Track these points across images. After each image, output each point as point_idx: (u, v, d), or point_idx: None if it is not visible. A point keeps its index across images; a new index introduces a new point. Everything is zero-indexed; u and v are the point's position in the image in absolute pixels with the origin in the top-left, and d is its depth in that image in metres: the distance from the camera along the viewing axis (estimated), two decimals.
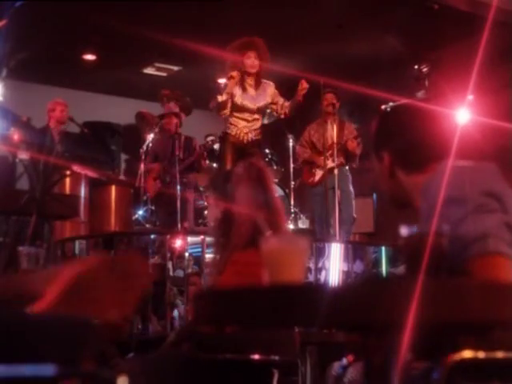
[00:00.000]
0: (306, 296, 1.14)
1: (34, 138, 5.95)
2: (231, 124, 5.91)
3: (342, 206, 6.29)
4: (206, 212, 6.97)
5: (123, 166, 9.24)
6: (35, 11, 6.45)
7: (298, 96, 5.83)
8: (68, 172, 5.85)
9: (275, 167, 7.18)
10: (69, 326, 1.04)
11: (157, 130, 7.23)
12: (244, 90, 5.85)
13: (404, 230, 1.45)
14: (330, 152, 6.37)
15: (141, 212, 7.18)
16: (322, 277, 5.35)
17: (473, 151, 1.96)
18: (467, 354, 1.38)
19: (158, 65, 8.84)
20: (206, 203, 6.99)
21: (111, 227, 6.33)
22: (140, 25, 5.93)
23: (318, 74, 6.12)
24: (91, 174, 6.24)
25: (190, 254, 5.24)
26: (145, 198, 7.10)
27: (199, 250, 4.99)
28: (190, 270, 5.13)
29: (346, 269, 5.43)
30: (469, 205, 1.61)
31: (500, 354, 1.43)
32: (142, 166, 7.02)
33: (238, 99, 5.83)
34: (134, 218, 6.96)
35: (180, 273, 5.36)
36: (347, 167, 6.61)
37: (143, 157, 7.07)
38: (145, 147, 7.19)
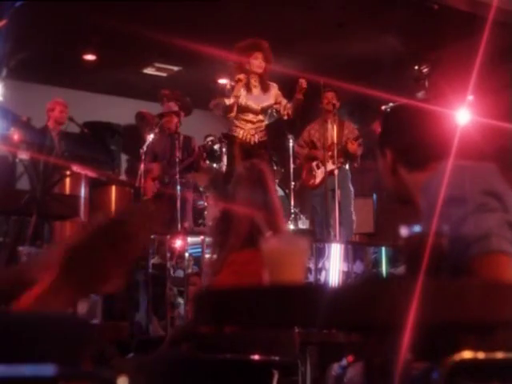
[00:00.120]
0: (306, 296, 1.14)
1: (34, 138, 5.96)
2: (237, 126, 5.92)
3: (341, 205, 6.29)
4: (205, 212, 6.97)
5: (124, 166, 9.23)
6: (35, 11, 6.45)
7: (298, 94, 5.85)
8: (68, 172, 5.85)
9: (275, 167, 7.17)
10: (69, 326, 1.04)
11: (157, 130, 7.23)
12: (249, 90, 5.87)
13: (404, 231, 1.45)
14: (330, 153, 6.37)
15: None
16: (322, 277, 5.35)
17: (473, 151, 1.96)
18: (467, 354, 1.39)
19: (157, 65, 8.84)
20: (205, 203, 6.99)
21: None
22: (140, 25, 5.92)
23: (318, 73, 6.13)
24: (91, 174, 6.24)
25: (190, 255, 5.24)
26: (145, 198, 7.09)
27: (199, 250, 4.99)
28: (189, 270, 5.13)
29: (346, 269, 5.43)
30: (469, 204, 1.61)
31: (500, 354, 1.43)
32: (142, 166, 7.02)
33: (243, 100, 5.85)
34: None
35: (180, 273, 5.36)
36: (347, 166, 6.61)
37: (143, 157, 7.07)
38: (145, 147, 7.18)
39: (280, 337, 2.45)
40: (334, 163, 6.30)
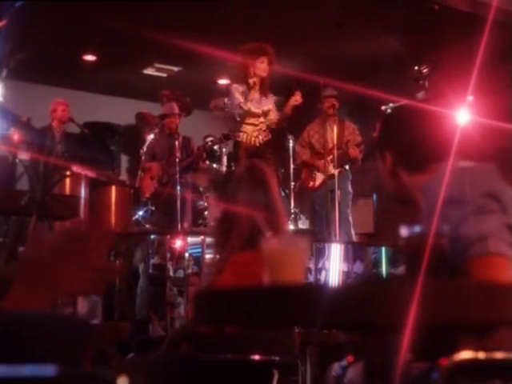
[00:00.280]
0: (306, 296, 1.15)
1: (34, 138, 5.96)
2: (240, 131, 5.94)
3: (340, 206, 6.29)
4: (206, 212, 6.97)
5: (125, 166, 9.24)
6: (35, 11, 6.45)
7: (287, 108, 5.90)
8: (68, 172, 5.85)
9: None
10: (69, 326, 1.04)
11: (157, 130, 7.23)
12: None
13: (404, 231, 1.45)
14: (330, 157, 6.35)
15: (141, 212, 7.18)
16: (322, 277, 5.35)
17: (473, 152, 1.96)
18: (467, 354, 1.39)
19: (157, 65, 8.84)
20: (205, 204, 6.99)
21: (111, 227, 6.32)
22: (140, 25, 5.93)
23: (318, 73, 6.13)
24: (91, 174, 6.24)
25: (190, 255, 5.24)
26: (144, 198, 7.10)
27: (199, 250, 4.99)
28: (189, 271, 5.13)
29: (346, 269, 5.43)
30: (469, 206, 1.62)
31: (500, 354, 1.43)
32: (141, 164, 7.03)
33: (245, 104, 5.87)
34: (134, 218, 6.96)
35: (180, 273, 5.36)
36: (347, 167, 6.60)
37: (143, 157, 7.07)
38: (145, 147, 7.19)
39: (280, 337, 2.45)
40: (334, 167, 6.29)
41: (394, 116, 2.10)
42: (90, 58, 8.21)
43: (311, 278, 5.08)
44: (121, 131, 9.23)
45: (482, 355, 1.39)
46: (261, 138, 5.93)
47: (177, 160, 6.42)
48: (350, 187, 6.56)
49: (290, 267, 1.43)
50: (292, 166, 6.92)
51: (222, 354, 2.27)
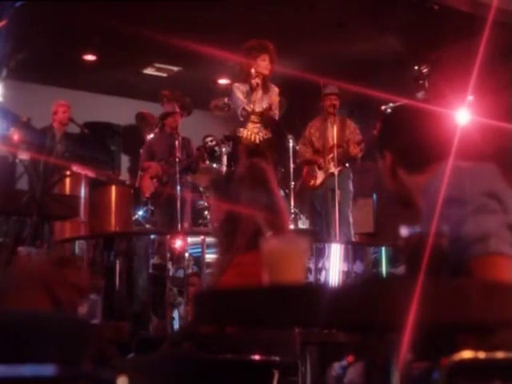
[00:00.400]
0: (306, 296, 1.15)
1: (34, 138, 5.96)
2: (241, 127, 5.93)
3: (340, 205, 6.28)
4: (206, 212, 6.97)
5: (125, 166, 9.24)
6: (35, 11, 6.45)
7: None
8: (68, 172, 5.85)
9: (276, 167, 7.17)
10: (69, 326, 1.04)
11: (157, 130, 7.23)
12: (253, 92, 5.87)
13: (404, 231, 1.45)
14: (331, 155, 6.35)
15: (141, 212, 7.19)
16: (322, 277, 5.35)
17: (473, 152, 1.96)
18: (467, 354, 1.39)
19: (157, 65, 8.84)
20: (205, 204, 6.99)
21: (111, 227, 6.33)
22: (140, 25, 5.92)
23: (318, 73, 6.13)
24: (91, 174, 6.24)
25: (190, 255, 5.24)
26: (144, 198, 7.10)
27: (199, 250, 4.99)
28: (190, 271, 5.13)
29: (346, 269, 5.43)
30: (469, 205, 1.61)
31: (500, 354, 1.43)
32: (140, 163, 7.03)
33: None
34: (134, 218, 6.96)
35: (180, 273, 5.36)
36: (348, 165, 6.59)
37: (142, 156, 7.07)
38: (144, 147, 7.19)
39: (280, 337, 2.45)
40: (335, 166, 6.29)
41: (395, 115, 2.10)
42: (89, 57, 8.21)
43: (311, 278, 5.08)
44: (121, 131, 9.23)
45: (482, 355, 1.39)
46: (261, 135, 5.92)
47: (177, 160, 6.42)
48: (351, 186, 6.55)
49: (289, 267, 1.42)
50: (292, 165, 6.91)
51: (223, 354, 2.27)
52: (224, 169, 6.73)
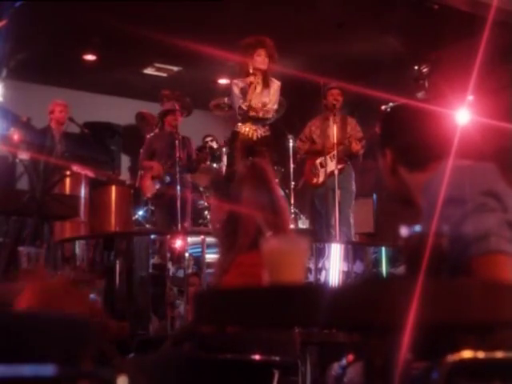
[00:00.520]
0: (306, 296, 1.15)
1: (34, 138, 5.96)
2: (239, 122, 5.92)
3: (341, 205, 6.28)
4: (206, 212, 6.97)
5: (125, 166, 9.24)
6: (35, 11, 6.45)
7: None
8: (68, 172, 5.86)
9: (275, 167, 7.17)
10: (69, 326, 1.04)
11: (157, 130, 7.22)
12: (253, 88, 5.86)
13: (404, 231, 1.45)
14: (332, 153, 6.34)
15: (141, 212, 7.18)
16: (322, 277, 5.35)
17: (473, 151, 1.97)
18: (467, 354, 1.39)
19: (157, 65, 8.84)
20: (205, 203, 6.99)
21: (111, 227, 6.33)
22: (140, 25, 5.92)
23: (318, 73, 6.12)
24: (91, 174, 6.25)
25: (190, 255, 5.23)
26: (145, 198, 7.09)
27: (199, 250, 4.99)
28: (190, 271, 5.13)
29: (346, 269, 5.42)
30: (469, 204, 1.62)
31: (500, 354, 1.43)
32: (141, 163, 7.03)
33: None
34: (134, 218, 6.95)
35: (180, 273, 5.36)
36: (349, 163, 6.57)
37: (142, 155, 7.07)
38: (144, 146, 7.19)
39: (280, 337, 2.45)
40: (336, 164, 6.28)
41: (396, 114, 2.10)
42: (90, 57, 8.21)
43: (311, 278, 5.08)
44: (121, 131, 9.23)
45: (481, 355, 1.39)
46: (259, 132, 5.91)
47: (178, 160, 6.42)
48: (353, 187, 6.53)
49: (289, 267, 1.42)
50: (292, 165, 6.91)
51: (223, 354, 2.27)
52: (224, 169, 6.72)
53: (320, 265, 5.36)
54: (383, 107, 5.69)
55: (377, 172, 2.02)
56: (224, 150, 6.88)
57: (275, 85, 5.94)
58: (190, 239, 5.21)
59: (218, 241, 2.78)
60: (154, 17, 6.93)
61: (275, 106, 5.94)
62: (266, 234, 1.93)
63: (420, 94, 7.83)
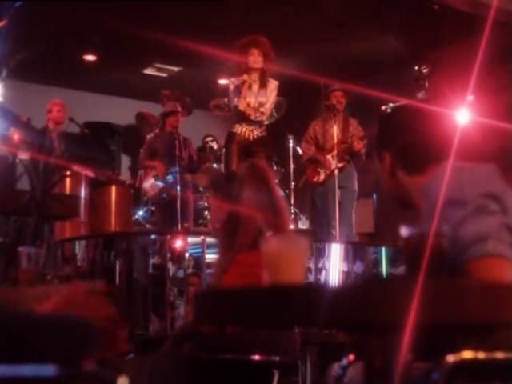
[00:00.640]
0: (306, 296, 1.15)
1: (34, 138, 5.96)
2: (236, 123, 5.92)
3: (343, 205, 6.27)
4: (206, 212, 6.97)
5: (125, 166, 9.24)
6: (35, 11, 6.45)
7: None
8: (68, 172, 5.85)
9: (275, 168, 7.17)
10: (69, 326, 1.04)
11: (157, 130, 7.22)
12: (249, 87, 5.86)
13: (404, 231, 1.45)
14: (333, 153, 6.34)
15: (141, 212, 7.18)
16: (322, 277, 5.35)
17: (473, 152, 1.96)
18: (467, 354, 1.39)
19: (158, 65, 8.84)
20: (205, 204, 6.99)
21: (111, 227, 6.33)
22: (140, 25, 5.92)
23: (318, 73, 6.12)
24: (91, 174, 6.25)
25: (190, 255, 5.23)
26: (145, 198, 7.09)
27: (199, 250, 4.99)
28: (189, 271, 5.13)
29: (346, 269, 5.42)
30: (468, 206, 1.61)
31: (500, 354, 1.43)
32: (144, 162, 7.02)
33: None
34: (134, 218, 6.95)
35: (180, 273, 5.36)
36: (351, 162, 6.57)
37: (142, 155, 7.07)
38: (144, 146, 7.19)
39: (280, 337, 2.45)
40: (338, 161, 6.30)
41: (393, 116, 2.09)
42: (90, 57, 8.20)
43: (311, 278, 5.08)
44: (121, 131, 9.23)
45: (481, 355, 1.39)
46: (256, 132, 5.91)
47: (178, 159, 6.42)
48: (355, 186, 6.53)
49: (289, 267, 1.42)
50: (292, 165, 6.91)
51: (223, 354, 2.27)
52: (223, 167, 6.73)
53: (320, 265, 5.36)
54: (383, 107, 5.70)
55: (376, 172, 2.01)
56: (224, 150, 6.88)
57: (272, 84, 5.94)
58: (190, 239, 5.21)
59: (217, 241, 2.78)
60: (154, 17, 6.93)
61: (272, 106, 5.94)
62: (266, 234, 1.93)
63: (420, 94, 7.83)
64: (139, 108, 8.38)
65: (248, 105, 5.83)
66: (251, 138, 5.89)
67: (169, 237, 5.18)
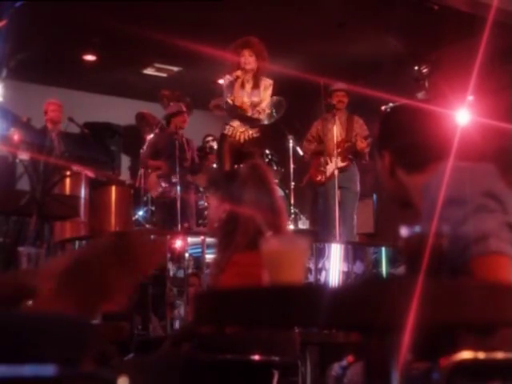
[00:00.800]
0: (306, 296, 1.14)
1: (33, 139, 5.96)
2: (227, 124, 5.92)
3: (344, 205, 6.27)
4: (206, 212, 6.97)
5: (125, 166, 9.24)
6: (35, 11, 6.45)
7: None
8: (68, 172, 5.85)
9: (275, 168, 7.17)
10: (69, 326, 1.04)
11: (157, 130, 7.22)
12: (242, 86, 5.86)
13: (404, 231, 1.45)
14: (338, 150, 6.33)
15: (141, 212, 7.18)
16: (322, 277, 5.35)
17: (473, 152, 1.96)
18: (467, 354, 1.39)
19: (157, 65, 8.84)
20: (206, 204, 6.99)
21: (111, 228, 6.33)
22: (140, 25, 5.92)
23: (318, 73, 6.12)
24: (91, 174, 6.24)
25: (190, 255, 5.24)
26: (145, 198, 7.09)
27: (199, 250, 5.00)
28: (189, 271, 5.13)
29: (346, 269, 5.43)
30: (469, 205, 1.61)
31: (500, 354, 1.43)
32: (148, 162, 7.02)
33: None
34: (134, 218, 6.95)
35: (180, 273, 5.36)
36: (354, 163, 6.56)
37: (145, 155, 7.07)
38: (145, 146, 7.19)
39: (280, 337, 2.45)
40: (342, 161, 6.29)
41: (394, 115, 2.09)
42: (90, 57, 8.21)
43: (311, 278, 5.08)
44: (121, 131, 9.23)
45: (481, 355, 1.39)
46: (247, 134, 5.89)
47: (179, 160, 6.42)
48: (358, 187, 6.52)
49: (289, 267, 1.42)
50: (292, 165, 6.90)
51: (222, 355, 2.27)
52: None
53: (320, 265, 5.36)
54: (383, 107, 5.70)
55: (377, 172, 2.01)
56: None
57: (266, 83, 5.93)
58: (190, 239, 5.21)
59: (216, 241, 2.79)
60: (154, 17, 6.93)
61: (269, 105, 5.93)
62: (266, 234, 1.93)
63: (420, 94, 7.83)
64: (139, 108, 8.38)
65: (241, 103, 5.83)
66: (242, 139, 5.87)
67: (169, 237, 5.18)
